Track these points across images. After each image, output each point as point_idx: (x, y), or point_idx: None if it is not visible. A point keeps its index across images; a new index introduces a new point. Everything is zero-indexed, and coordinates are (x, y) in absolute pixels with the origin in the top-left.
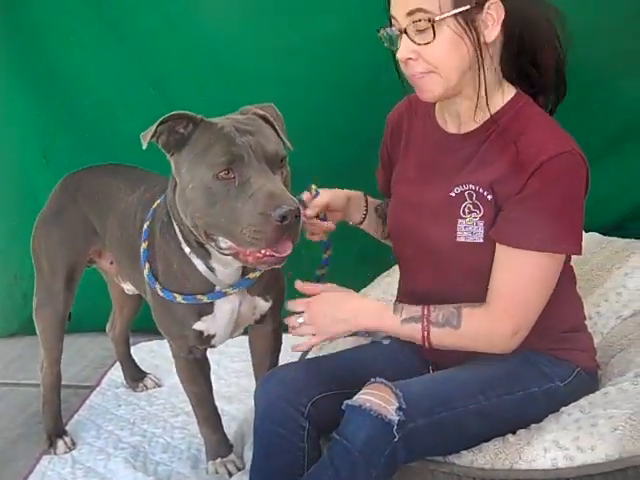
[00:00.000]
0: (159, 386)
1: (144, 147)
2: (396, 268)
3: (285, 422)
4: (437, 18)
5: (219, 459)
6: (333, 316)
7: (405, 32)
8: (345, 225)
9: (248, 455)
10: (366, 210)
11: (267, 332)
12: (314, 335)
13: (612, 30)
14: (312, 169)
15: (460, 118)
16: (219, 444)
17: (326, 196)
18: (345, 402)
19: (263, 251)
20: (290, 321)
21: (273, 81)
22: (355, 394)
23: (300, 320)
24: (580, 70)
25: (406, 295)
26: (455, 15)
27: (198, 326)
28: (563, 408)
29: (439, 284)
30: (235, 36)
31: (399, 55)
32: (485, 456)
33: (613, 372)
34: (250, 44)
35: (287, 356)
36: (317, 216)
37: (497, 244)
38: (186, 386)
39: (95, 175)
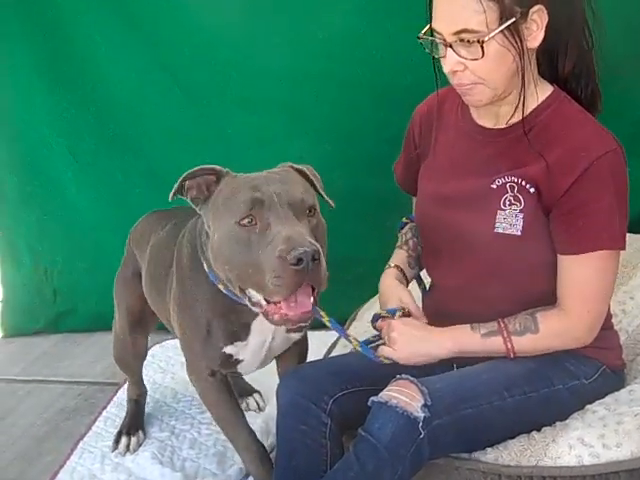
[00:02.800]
0: (261, 410)
1: (170, 199)
2: None
3: (307, 419)
4: (486, 38)
5: None
6: (414, 336)
7: (451, 46)
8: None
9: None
10: (406, 278)
11: (289, 355)
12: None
13: (625, 31)
14: (333, 166)
15: (498, 115)
16: (268, 474)
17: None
18: (371, 399)
19: (285, 308)
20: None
21: (294, 77)
22: (376, 391)
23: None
24: None
25: (434, 296)
26: (502, 29)
27: (229, 350)
28: (588, 406)
29: (470, 280)
30: (257, 32)
31: (446, 68)
32: (510, 453)
33: (639, 370)
34: (272, 40)
35: (309, 355)
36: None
37: (566, 257)
38: (214, 410)
39: (147, 217)
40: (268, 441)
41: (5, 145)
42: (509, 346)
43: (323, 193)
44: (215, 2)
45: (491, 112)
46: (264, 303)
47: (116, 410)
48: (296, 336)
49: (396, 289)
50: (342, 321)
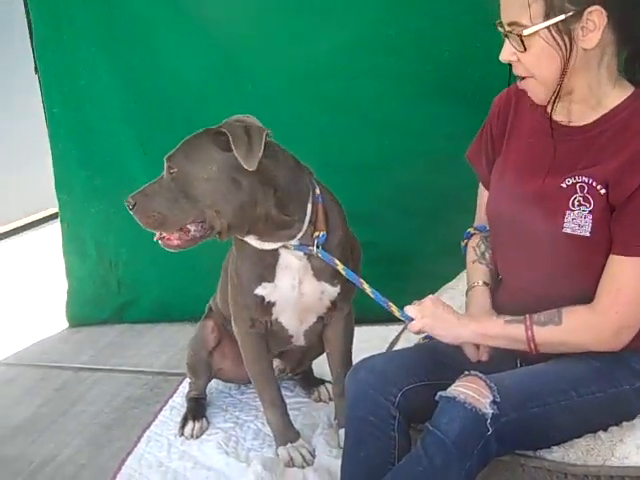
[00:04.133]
0: (332, 400)
1: None
2: (461, 277)
3: (376, 411)
4: (525, 33)
5: (289, 444)
6: (444, 309)
7: (507, 36)
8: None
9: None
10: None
11: (338, 318)
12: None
13: None
14: (394, 160)
15: (571, 113)
16: (287, 429)
17: None
18: (439, 393)
19: None
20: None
21: (360, 75)
22: (443, 386)
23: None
24: None
25: (504, 294)
26: (548, 26)
27: (259, 291)
28: None
29: (537, 278)
30: (325, 31)
31: (500, 56)
32: (577, 452)
33: None
34: (339, 39)
35: (370, 350)
36: None
37: (614, 256)
38: (251, 366)
39: None
40: (330, 434)
41: (76, 141)
42: (529, 334)
43: (238, 155)
44: (284, 3)
45: (563, 108)
46: None
47: (181, 400)
48: (329, 288)
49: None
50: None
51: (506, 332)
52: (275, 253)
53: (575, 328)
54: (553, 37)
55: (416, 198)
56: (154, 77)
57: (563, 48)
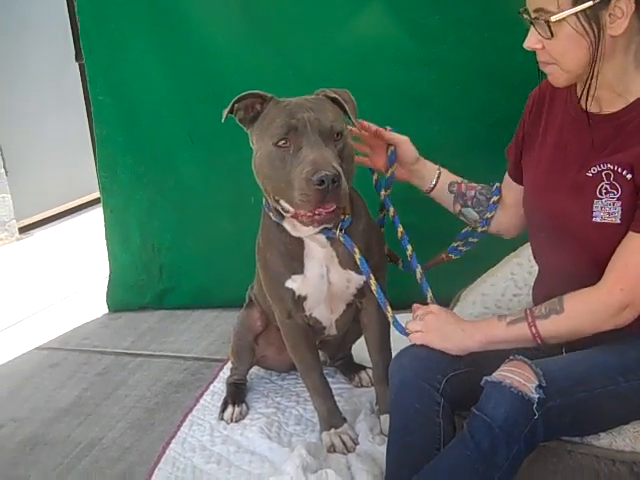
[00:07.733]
0: (372, 385)
1: (223, 120)
2: (525, 247)
3: (421, 397)
4: (552, 19)
5: (332, 430)
6: (449, 323)
7: (532, 23)
8: None
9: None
10: (436, 181)
11: (372, 305)
12: (422, 333)
13: None
14: (441, 146)
15: (601, 101)
16: (331, 415)
17: (400, 138)
18: (484, 378)
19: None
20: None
21: (412, 63)
22: (488, 373)
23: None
24: None
25: (540, 281)
26: (576, 13)
27: (289, 284)
28: None
29: (574, 267)
30: (372, 18)
31: (525, 44)
32: (625, 439)
33: None
34: (386, 26)
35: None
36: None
37: (628, 233)
38: (292, 353)
39: None
40: (372, 420)
41: (121, 128)
42: (534, 331)
43: (353, 117)
44: None
45: (593, 98)
46: (292, 210)
47: (222, 385)
48: (355, 276)
49: None
50: (446, 302)
51: (511, 334)
52: (300, 242)
53: (578, 312)
54: (581, 24)
55: None
56: (201, 66)
57: (591, 35)
